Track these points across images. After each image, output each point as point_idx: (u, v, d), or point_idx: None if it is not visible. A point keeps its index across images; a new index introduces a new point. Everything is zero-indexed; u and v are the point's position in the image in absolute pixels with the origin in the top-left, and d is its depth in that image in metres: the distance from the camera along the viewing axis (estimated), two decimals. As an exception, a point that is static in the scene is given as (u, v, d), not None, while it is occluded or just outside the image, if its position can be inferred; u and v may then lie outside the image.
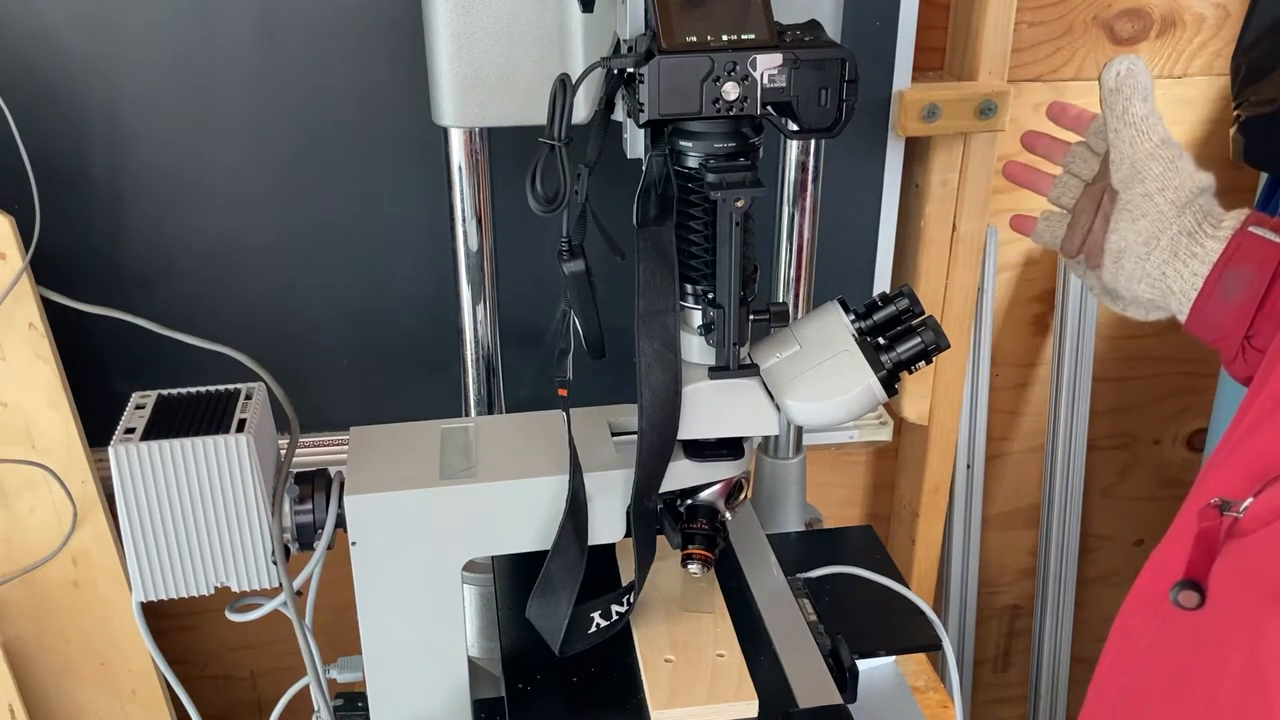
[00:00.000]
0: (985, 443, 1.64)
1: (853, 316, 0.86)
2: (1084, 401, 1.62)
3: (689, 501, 0.92)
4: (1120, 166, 0.82)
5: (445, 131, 0.99)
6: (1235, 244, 0.78)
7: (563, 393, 0.87)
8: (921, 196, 1.37)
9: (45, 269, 1.12)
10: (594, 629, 0.90)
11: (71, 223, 1.21)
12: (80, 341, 1.21)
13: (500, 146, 1.02)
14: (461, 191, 1.02)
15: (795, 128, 0.77)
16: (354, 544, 0.87)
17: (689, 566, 0.91)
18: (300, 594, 0.89)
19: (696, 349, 0.85)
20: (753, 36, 0.74)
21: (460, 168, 1.01)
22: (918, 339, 0.85)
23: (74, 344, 1.19)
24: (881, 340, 0.85)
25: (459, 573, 0.90)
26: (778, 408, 0.85)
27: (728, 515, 0.93)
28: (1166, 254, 0.80)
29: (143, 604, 0.87)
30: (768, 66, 0.74)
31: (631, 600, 0.90)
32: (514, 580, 1.01)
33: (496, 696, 0.93)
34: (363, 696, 0.96)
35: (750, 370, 0.84)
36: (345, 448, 0.93)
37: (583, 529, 0.87)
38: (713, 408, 0.85)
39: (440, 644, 0.91)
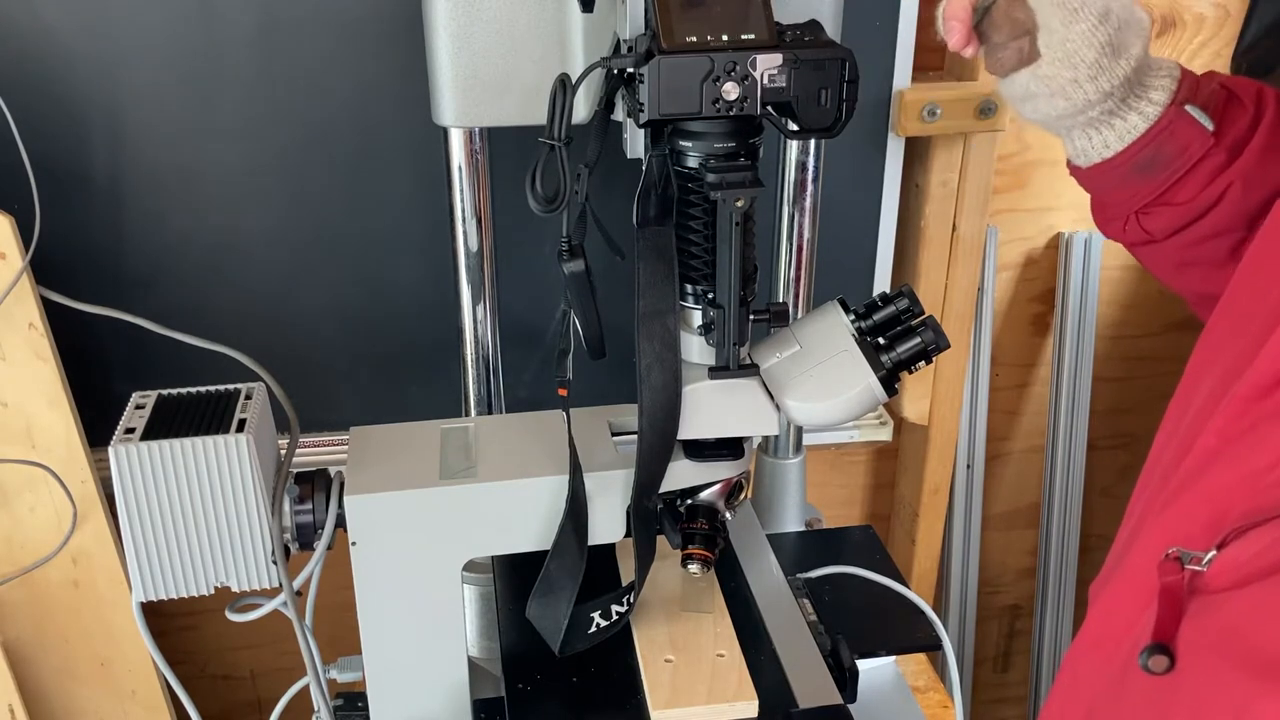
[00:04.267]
0: (985, 443, 1.64)
1: (853, 316, 0.86)
2: (1084, 401, 1.62)
3: (689, 501, 0.92)
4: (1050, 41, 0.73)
5: (445, 131, 0.99)
6: (1165, 124, 0.72)
7: (563, 393, 0.87)
8: (921, 196, 1.37)
9: (45, 269, 1.12)
10: (594, 629, 0.90)
11: (71, 223, 1.21)
12: (80, 341, 1.21)
13: (500, 146, 1.02)
14: (461, 191, 1.02)
15: (795, 128, 0.77)
16: (354, 544, 0.87)
17: (689, 566, 0.91)
18: (300, 594, 0.89)
19: (696, 349, 0.85)
20: (753, 36, 0.74)
21: (460, 168, 1.01)
22: (918, 339, 0.85)
23: (74, 344, 1.19)
24: (881, 340, 0.85)
25: (459, 573, 0.90)
26: (778, 408, 0.85)
27: (728, 515, 0.93)
28: (1080, 121, 0.74)
29: (143, 604, 0.87)
30: (768, 66, 0.74)
31: (631, 600, 0.90)
32: (514, 580, 1.01)
33: (496, 696, 0.93)
34: (363, 696, 0.96)
35: (750, 370, 0.84)
36: (345, 448, 0.93)
37: (583, 529, 0.87)
38: (713, 408, 0.85)
39: (440, 644, 0.91)
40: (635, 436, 0.83)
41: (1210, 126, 0.72)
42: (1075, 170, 0.77)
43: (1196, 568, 0.54)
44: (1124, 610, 0.60)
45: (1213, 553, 0.54)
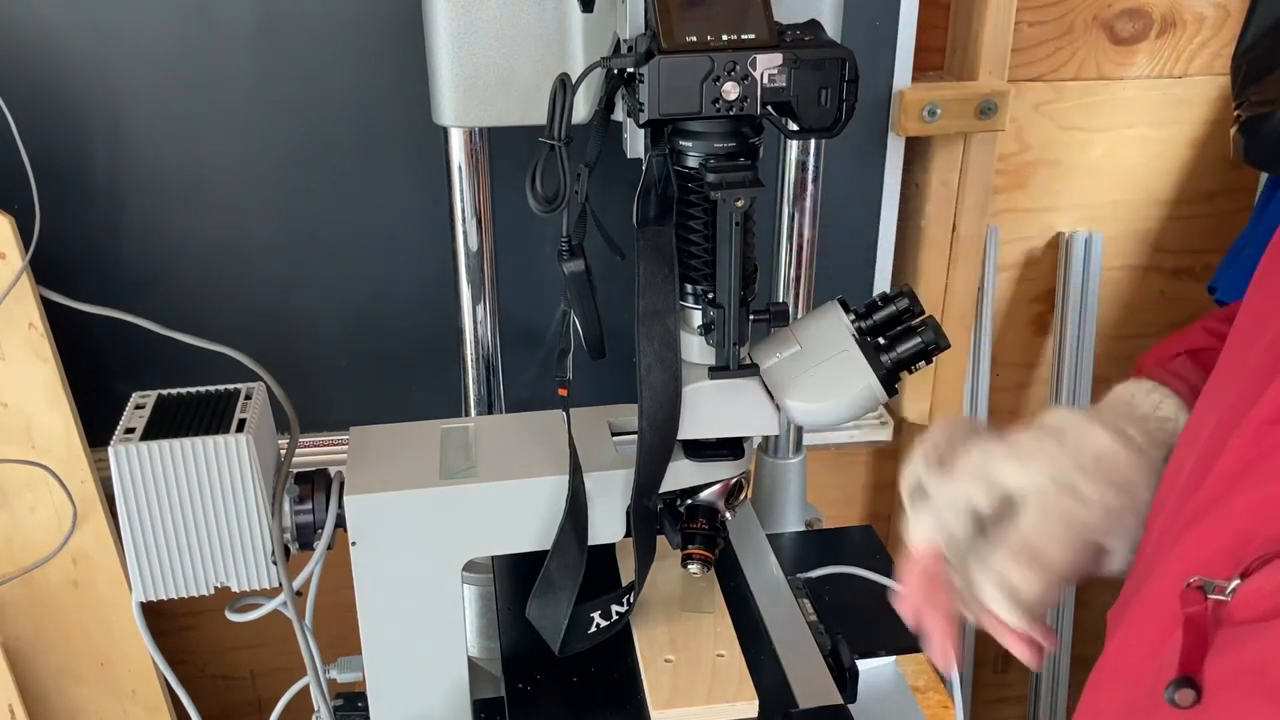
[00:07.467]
0: (985, 443, 1.64)
1: (853, 316, 0.86)
2: (1084, 401, 1.62)
3: (689, 501, 0.92)
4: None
5: (445, 131, 0.99)
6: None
7: (563, 393, 0.87)
8: (921, 196, 1.37)
9: (45, 269, 1.12)
10: (594, 629, 0.90)
11: (71, 223, 1.21)
12: (80, 341, 1.21)
13: (500, 146, 1.02)
14: (461, 191, 1.02)
15: (795, 128, 0.77)
16: (354, 544, 0.87)
17: (689, 566, 0.91)
18: (300, 594, 0.89)
19: (696, 349, 0.85)
20: (753, 36, 0.74)
21: (460, 168, 1.01)
22: (918, 339, 0.85)
23: (74, 344, 1.19)
24: (881, 340, 0.85)
25: (459, 573, 0.90)
26: (778, 408, 0.85)
27: (728, 515, 0.93)
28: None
29: (143, 604, 0.87)
30: (768, 66, 0.74)
31: (631, 600, 0.90)
32: (514, 580, 1.01)
33: (496, 696, 0.93)
34: (363, 696, 0.96)
35: (750, 370, 0.84)
36: (345, 448, 0.93)
37: (583, 529, 0.87)
38: (713, 408, 0.84)
39: (440, 644, 0.91)
40: (635, 436, 0.83)
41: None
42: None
43: (1220, 597, 0.53)
44: (1144, 640, 0.59)
45: (1236, 581, 0.53)
